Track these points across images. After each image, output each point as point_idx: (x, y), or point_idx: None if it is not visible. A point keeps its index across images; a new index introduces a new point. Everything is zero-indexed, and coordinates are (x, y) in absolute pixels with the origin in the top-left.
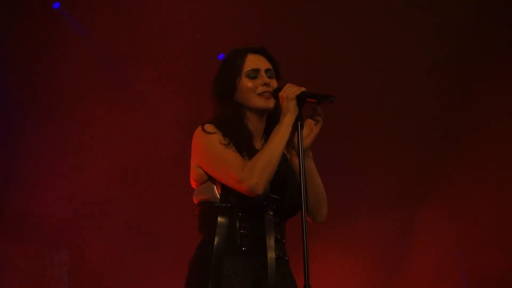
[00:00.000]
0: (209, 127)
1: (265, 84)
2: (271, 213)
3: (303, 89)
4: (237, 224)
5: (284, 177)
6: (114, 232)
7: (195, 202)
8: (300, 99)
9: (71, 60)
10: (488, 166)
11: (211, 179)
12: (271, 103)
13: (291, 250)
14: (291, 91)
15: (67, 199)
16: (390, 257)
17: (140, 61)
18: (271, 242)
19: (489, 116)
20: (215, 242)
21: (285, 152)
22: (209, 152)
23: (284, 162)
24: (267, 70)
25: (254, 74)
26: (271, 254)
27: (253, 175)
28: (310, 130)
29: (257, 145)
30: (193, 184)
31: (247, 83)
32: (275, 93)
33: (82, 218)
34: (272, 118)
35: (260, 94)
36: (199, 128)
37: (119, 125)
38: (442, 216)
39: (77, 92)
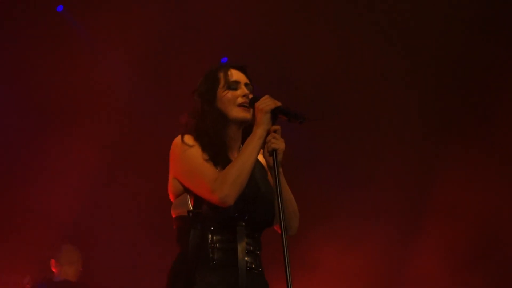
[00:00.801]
0: (188, 138)
1: (244, 95)
2: (243, 225)
3: (279, 104)
4: (209, 237)
5: (259, 189)
6: (121, 232)
7: (173, 216)
8: (274, 113)
9: (73, 62)
10: (488, 166)
11: (186, 190)
12: (249, 115)
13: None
14: (267, 103)
15: (73, 199)
16: (394, 259)
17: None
18: (242, 253)
19: (491, 117)
20: (187, 256)
21: (263, 165)
22: (186, 163)
23: (260, 174)
24: (246, 84)
25: (234, 86)
26: (241, 266)
27: (224, 186)
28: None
29: (233, 156)
30: (171, 197)
31: (227, 93)
32: (252, 102)
33: (89, 217)
34: (249, 130)
35: (239, 105)
36: (178, 139)
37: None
38: (447, 218)
39: (80, 95)
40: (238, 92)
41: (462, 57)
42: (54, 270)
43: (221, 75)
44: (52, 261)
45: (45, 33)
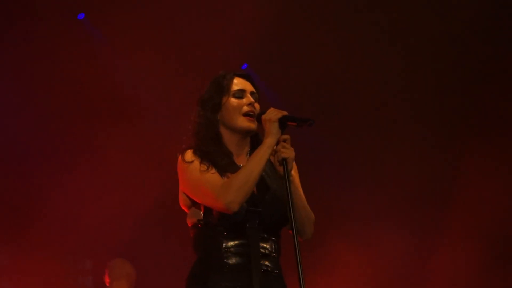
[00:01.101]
0: (187, 156)
1: (250, 104)
2: (255, 227)
3: (285, 113)
4: (222, 242)
5: (268, 190)
6: (138, 242)
7: (189, 225)
8: (282, 122)
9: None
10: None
11: (195, 204)
12: (253, 125)
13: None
14: (273, 114)
15: (93, 208)
16: (412, 260)
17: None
18: (255, 257)
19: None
20: (202, 262)
21: (275, 168)
22: (189, 179)
23: (271, 177)
24: (252, 93)
25: (240, 94)
26: (255, 269)
27: (229, 192)
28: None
29: (242, 163)
30: (184, 208)
31: (233, 102)
32: (258, 117)
33: (107, 226)
34: (257, 139)
35: (244, 114)
36: (180, 157)
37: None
38: (463, 223)
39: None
40: (244, 100)
41: (480, 51)
42: (107, 284)
43: (226, 83)
44: (105, 275)
45: (66, 40)
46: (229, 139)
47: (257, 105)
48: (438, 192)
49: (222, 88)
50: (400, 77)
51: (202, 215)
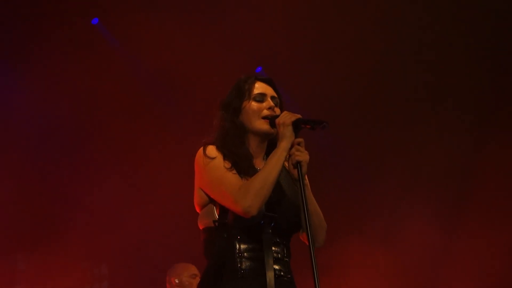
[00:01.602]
0: (210, 150)
1: (270, 108)
2: (270, 232)
3: (298, 116)
4: (236, 246)
5: (283, 196)
6: (152, 247)
7: (200, 228)
8: (296, 126)
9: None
10: None
11: (211, 201)
12: (273, 129)
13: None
14: (287, 117)
15: (108, 215)
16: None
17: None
18: (269, 262)
19: None
20: (215, 267)
21: (290, 172)
22: (209, 174)
23: (286, 181)
24: (273, 97)
25: (261, 98)
26: (270, 275)
27: (248, 197)
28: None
29: (259, 166)
30: (197, 208)
31: (253, 105)
32: (272, 119)
33: (121, 232)
34: (274, 142)
35: (264, 118)
36: (201, 150)
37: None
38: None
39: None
40: (264, 104)
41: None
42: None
43: (247, 87)
44: (172, 281)
45: (79, 44)
46: (249, 142)
47: (277, 110)
48: (460, 187)
49: (243, 92)
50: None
51: (217, 216)
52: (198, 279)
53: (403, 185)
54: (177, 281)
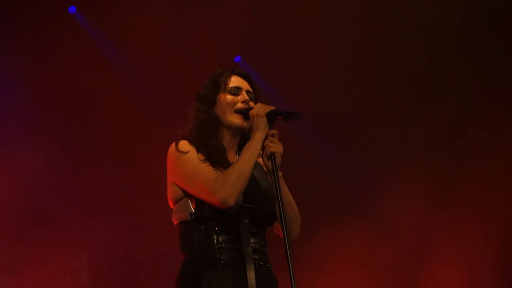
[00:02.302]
0: (182, 144)
1: (244, 101)
2: (247, 223)
3: (272, 108)
4: (214, 237)
5: (259, 187)
6: (133, 236)
7: (175, 223)
8: (270, 117)
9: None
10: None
11: (186, 195)
12: (246, 123)
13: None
14: (261, 109)
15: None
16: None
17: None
18: (249, 251)
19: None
20: (194, 260)
21: (262, 165)
22: (183, 167)
23: (260, 174)
24: (248, 92)
25: (236, 91)
26: (249, 264)
27: (225, 187)
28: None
29: (232, 160)
30: (171, 203)
31: (228, 98)
32: (246, 112)
33: (100, 222)
34: (247, 136)
35: (236, 111)
36: (173, 145)
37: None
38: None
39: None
40: (239, 97)
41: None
42: None
43: (223, 80)
44: None
45: (56, 34)
46: (222, 135)
47: (251, 104)
48: (447, 165)
49: (219, 85)
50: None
51: (193, 209)
52: None
53: (387, 160)
54: None
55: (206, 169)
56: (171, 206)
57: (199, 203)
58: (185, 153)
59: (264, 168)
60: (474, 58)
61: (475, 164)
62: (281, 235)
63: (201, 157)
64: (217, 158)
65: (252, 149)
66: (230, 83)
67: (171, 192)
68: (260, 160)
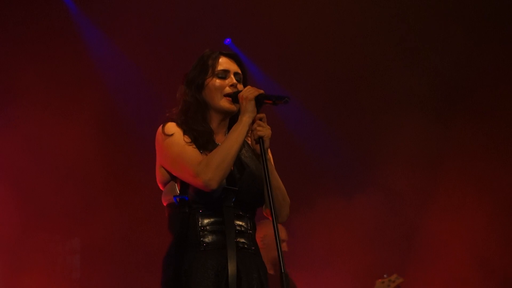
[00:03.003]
0: (168, 127)
1: (232, 85)
2: (231, 206)
3: (261, 91)
4: (198, 220)
5: (245, 169)
6: (125, 220)
7: (164, 204)
8: (258, 101)
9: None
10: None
11: (173, 178)
12: (234, 106)
13: None
14: (250, 92)
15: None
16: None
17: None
18: (231, 234)
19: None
20: (178, 242)
21: (252, 147)
22: (169, 150)
23: (248, 156)
24: (236, 74)
25: (223, 74)
26: (231, 247)
27: (208, 170)
28: (257, 136)
29: (221, 142)
30: (160, 186)
31: (215, 82)
32: (235, 95)
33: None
34: (235, 118)
35: (226, 95)
36: (160, 128)
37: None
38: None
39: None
40: (227, 81)
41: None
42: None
43: (211, 62)
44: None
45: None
46: (211, 119)
47: (240, 86)
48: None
49: (206, 68)
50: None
51: (178, 191)
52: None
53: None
54: (261, 237)
55: (191, 151)
56: (161, 188)
57: (183, 185)
58: (171, 135)
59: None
60: None
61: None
62: (270, 218)
63: (187, 139)
64: (203, 142)
65: (238, 132)
66: (218, 65)
67: (159, 175)
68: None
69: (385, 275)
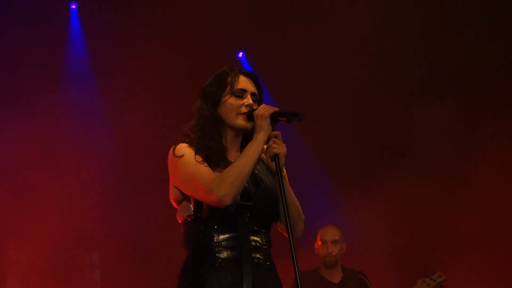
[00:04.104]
0: (180, 148)
1: (248, 105)
2: (246, 221)
3: (276, 109)
4: (214, 236)
5: (260, 185)
6: (145, 234)
7: (179, 221)
8: (273, 118)
9: None
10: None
11: (186, 198)
12: (248, 124)
13: None
14: (265, 110)
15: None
16: None
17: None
18: (246, 250)
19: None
20: (193, 258)
21: (267, 165)
22: (181, 170)
23: (263, 174)
24: (252, 94)
25: (240, 93)
26: (246, 263)
27: (222, 186)
28: (273, 154)
29: (233, 159)
30: (174, 204)
31: (232, 100)
32: (250, 113)
33: (112, 220)
34: (249, 137)
35: (240, 114)
36: (171, 150)
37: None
38: None
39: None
40: (244, 101)
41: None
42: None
43: (230, 80)
44: (318, 240)
45: None
46: (225, 135)
47: (255, 107)
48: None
49: (225, 85)
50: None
51: (192, 209)
52: (338, 246)
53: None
54: (320, 243)
55: (204, 169)
56: (175, 206)
57: (197, 204)
58: (182, 156)
59: (266, 163)
60: None
61: None
62: (285, 234)
63: (199, 158)
64: (215, 160)
65: (254, 150)
66: (237, 84)
67: (173, 194)
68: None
69: (427, 275)
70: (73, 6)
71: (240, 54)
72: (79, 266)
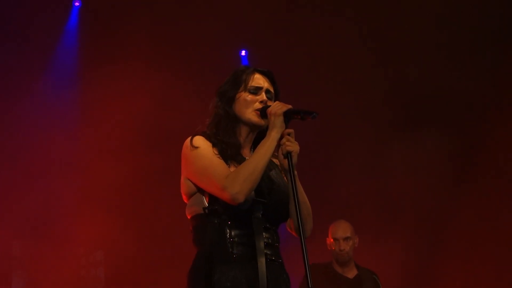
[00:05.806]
0: (196, 140)
1: (262, 102)
2: (260, 217)
3: (289, 106)
4: (227, 232)
5: (273, 184)
6: (148, 232)
7: (188, 217)
8: (287, 116)
9: None
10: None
11: (199, 190)
12: (262, 120)
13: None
14: (278, 107)
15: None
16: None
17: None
18: (260, 246)
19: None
20: (206, 253)
21: (279, 165)
22: (196, 163)
23: (275, 171)
24: (267, 91)
25: (255, 90)
26: (261, 259)
27: (236, 183)
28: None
29: (247, 156)
30: (184, 198)
31: (247, 96)
32: (263, 110)
33: (115, 218)
34: (262, 134)
35: (255, 110)
36: (188, 140)
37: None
38: None
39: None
40: (258, 97)
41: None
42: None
43: (245, 77)
44: (329, 235)
45: None
46: (240, 132)
47: (270, 103)
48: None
49: (239, 82)
50: None
51: (207, 203)
52: (350, 242)
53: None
54: (331, 240)
55: (219, 165)
56: (185, 201)
57: (212, 197)
58: (199, 146)
59: (279, 166)
60: None
61: None
62: (293, 233)
63: (215, 152)
64: (231, 154)
65: (267, 147)
66: (251, 81)
67: (185, 187)
68: (277, 161)
69: None
70: (77, 4)
71: (243, 53)
72: (83, 264)
